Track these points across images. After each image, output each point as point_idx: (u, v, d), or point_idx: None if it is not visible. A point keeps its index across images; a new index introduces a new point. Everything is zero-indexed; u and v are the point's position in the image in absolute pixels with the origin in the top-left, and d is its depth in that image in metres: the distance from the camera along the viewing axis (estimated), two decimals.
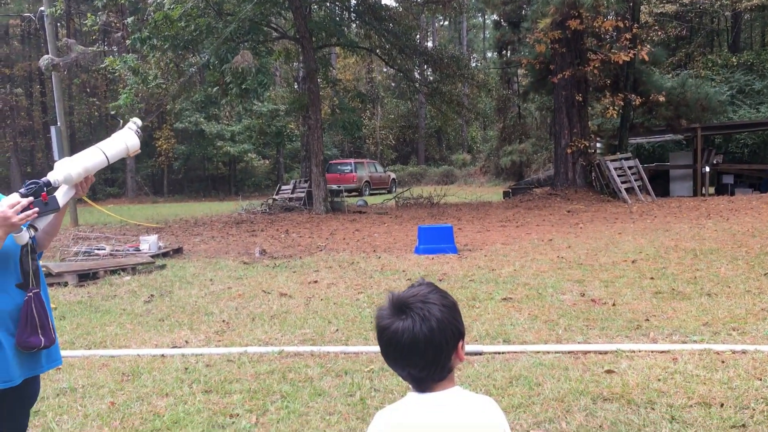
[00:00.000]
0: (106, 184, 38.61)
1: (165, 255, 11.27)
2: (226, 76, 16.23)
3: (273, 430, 3.69)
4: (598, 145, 23.35)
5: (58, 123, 17.80)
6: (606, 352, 4.80)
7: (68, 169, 2.49)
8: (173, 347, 5.51)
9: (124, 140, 2.62)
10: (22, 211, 2.31)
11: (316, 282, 8.30)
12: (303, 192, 22.40)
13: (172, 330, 6.14)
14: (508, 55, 34.70)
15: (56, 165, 2.53)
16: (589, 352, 4.83)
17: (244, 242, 13.38)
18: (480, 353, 4.87)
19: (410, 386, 1.63)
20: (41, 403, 4.17)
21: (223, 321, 6.40)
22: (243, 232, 15.39)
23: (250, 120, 34.48)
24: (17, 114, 40.24)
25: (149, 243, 11.39)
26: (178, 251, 11.83)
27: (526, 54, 23.14)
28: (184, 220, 19.66)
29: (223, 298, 7.55)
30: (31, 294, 2.46)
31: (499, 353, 4.90)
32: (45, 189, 2.42)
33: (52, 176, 2.47)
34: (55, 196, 2.45)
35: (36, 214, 2.35)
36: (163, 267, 10.05)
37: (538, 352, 4.87)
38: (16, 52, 40.43)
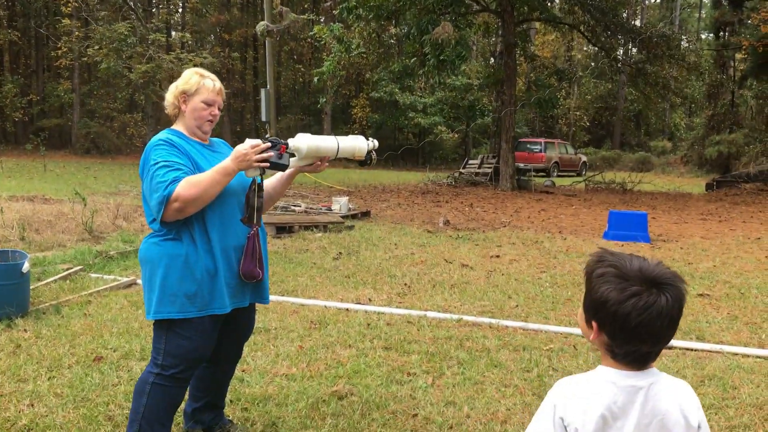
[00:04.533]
0: None
1: (354, 217, 11.77)
2: (425, 46, 16.44)
3: (448, 393, 3.74)
4: None
5: (268, 86, 19.07)
6: None
7: (305, 141, 2.82)
8: (357, 303, 5.76)
9: (357, 143, 2.96)
10: (259, 154, 2.61)
11: (498, 257, 8.25)
12: (490, 168, 22.25)
13: (356, 287, 6.42)
14: (726, 36, 31.76)
15: (297, 135, 2.87)
16: None
17: (428, 211, 13.61)
18: (670, 347, 4.58)
19: (612, 363, 1.53)
20: None
21: (405, 284, 6.58)
22: (428, 202, 15.64)
23: (443, 93, 34.66)
24: (232, 76, 43.78)
25: (340, 204, 11.95)
26: (365, 214, 12.30)
27: (748, 35, 21.06)
28: (372, 185, 20.37)
29: (406, 262, 7.74)
30: (255, 230, 2.77)
31: (690, 350, 4.58)
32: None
33: (291, 141, 2.80)
34: (287, 155, 2.75)
35: (268, 163, 2.65)
36: (351, 228, 10.50)
37: (737, 354, 4.49)
38: (236, 19, 43.89)
